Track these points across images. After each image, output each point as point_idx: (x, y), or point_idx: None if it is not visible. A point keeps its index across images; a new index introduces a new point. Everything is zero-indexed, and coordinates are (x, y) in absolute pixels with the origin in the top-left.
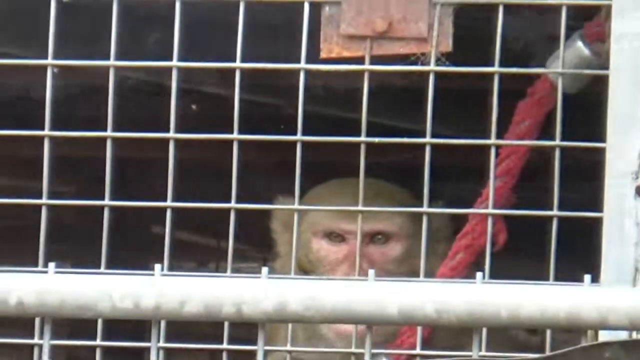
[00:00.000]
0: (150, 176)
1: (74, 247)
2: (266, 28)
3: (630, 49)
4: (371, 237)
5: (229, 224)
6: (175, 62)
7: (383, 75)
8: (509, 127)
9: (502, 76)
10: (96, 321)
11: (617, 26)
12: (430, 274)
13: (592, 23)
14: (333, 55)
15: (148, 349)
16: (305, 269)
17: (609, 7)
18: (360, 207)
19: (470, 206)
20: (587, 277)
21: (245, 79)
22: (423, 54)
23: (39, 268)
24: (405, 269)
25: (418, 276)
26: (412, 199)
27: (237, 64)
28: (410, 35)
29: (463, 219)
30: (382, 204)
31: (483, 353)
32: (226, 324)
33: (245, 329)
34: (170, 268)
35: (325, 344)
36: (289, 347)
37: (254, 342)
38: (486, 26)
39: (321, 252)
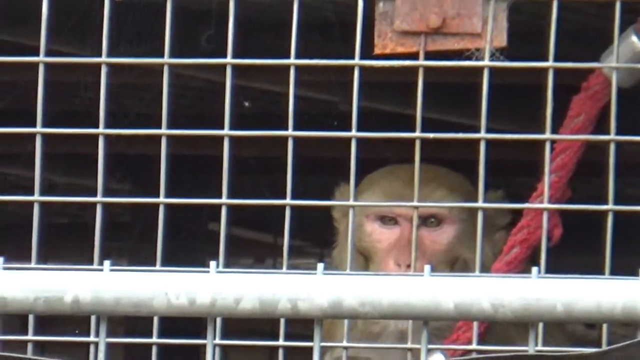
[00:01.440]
0: (206, 173)
1: (131, 244)
2: (321, 24)
3: None
4: (424, 220)
5: (285, 220)
6: (229, 59)
7: (438, 71)
8: (564, 121)
9: (557, 71)
10: (152, 319)
11: None
12: (483, 264)
13: None
14: (387, 51)
15: (204, 346)
16: (361, 253)
17: None
18: (415, 203)
19: (525, 201)
20: None
21: (300, 75)
22: (477, 50)
23: (95, 266)
24: (457, 253)
25: (468, 262)
26: (466, 183)
27: (292, 60)
28: (465, 31)
29: (519, 213)
30: (436, 188)
31: (539, 347)
32: (282, 321)
33: (303, 325)
34: (227, 265)
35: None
36: (345, 344)
37: (311, 339)
38: (541, 21)
39: (374, 235)
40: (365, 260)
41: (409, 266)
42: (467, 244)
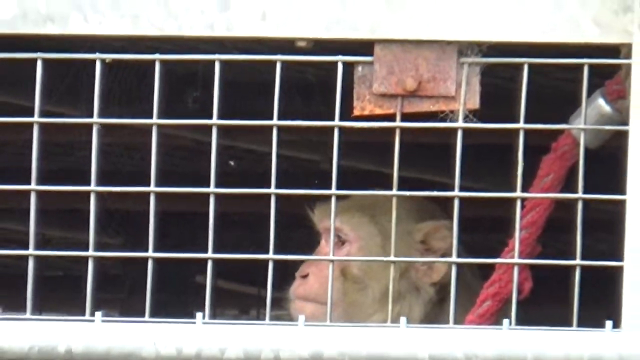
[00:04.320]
0: (193, 228)
1: (122, 296)
2: (302, 87)
3: None
4: (339, 238)
5: (267, 274)
6: (215, 120)
7: (414, 132)
8: (534, 180)
9: (527, 132)
10: None
11: (637, 84)
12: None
13: (612, 81)
14: (366, 112)
15: None
16: None
17: (628, 66)
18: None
19: (497, 256)
20: (609, 323)
21: (283, 135)
22: (452, 112)
23: (87, 317)
24: (347, 268)
25: (356, 277)
26: (381, 201)
27: (275, 121)
28: (439, 94)
29: (491, 268)
30: (345, 208)
31: None
32: None
33: None
34: (213, 316)
35: None
36: None
37: None
38: (512, 84)
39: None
40: None
41: (303, 277)
42: (358, 262)
